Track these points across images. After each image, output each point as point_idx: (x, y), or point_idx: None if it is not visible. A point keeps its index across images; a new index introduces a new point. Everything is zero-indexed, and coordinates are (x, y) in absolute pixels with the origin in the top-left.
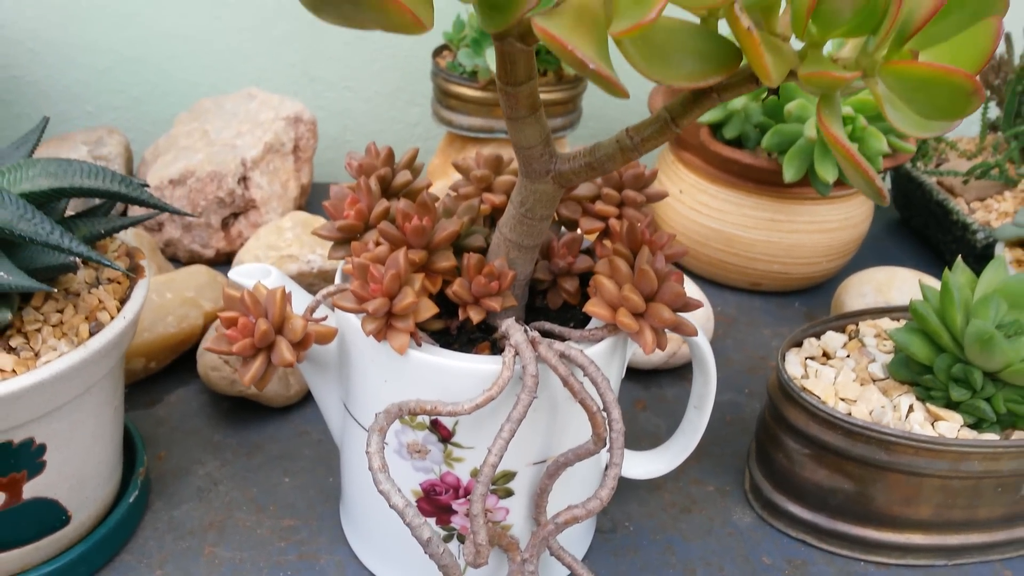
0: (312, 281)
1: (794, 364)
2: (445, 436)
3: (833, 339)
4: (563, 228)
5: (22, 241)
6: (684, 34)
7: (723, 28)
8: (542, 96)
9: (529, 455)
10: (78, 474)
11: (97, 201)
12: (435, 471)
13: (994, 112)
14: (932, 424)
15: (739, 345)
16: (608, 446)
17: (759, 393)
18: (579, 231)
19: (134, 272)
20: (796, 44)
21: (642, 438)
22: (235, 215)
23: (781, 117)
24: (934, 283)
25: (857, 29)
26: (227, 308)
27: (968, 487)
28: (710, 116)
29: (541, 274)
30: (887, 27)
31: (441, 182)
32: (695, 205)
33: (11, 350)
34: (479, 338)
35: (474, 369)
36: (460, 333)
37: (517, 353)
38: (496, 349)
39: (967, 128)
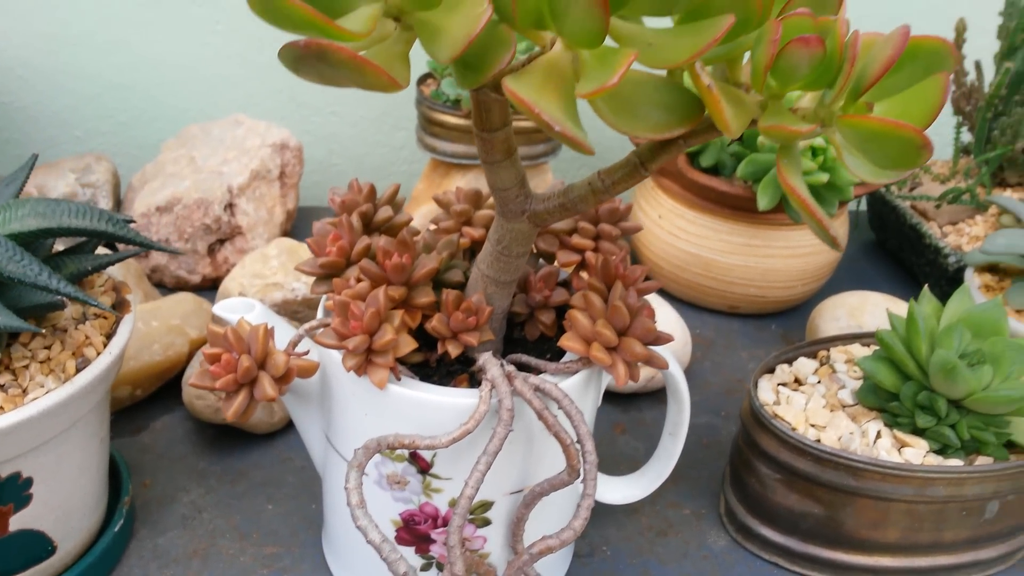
0: (297, 309)
1: (766, 390)
2: (424, 467)
3: (804, 365)
4: (541, 260)
5: (10, 282)
6: (650, 87)
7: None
8: (524, 123)
9: (506, 485)
10: (64, 506)
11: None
12: (414, 501)
13: (967, 137)
14: (899, 450)
15: (717, 368)
16: (582, 477)
17: (735, 416)
18: (556, 264)
19: (120, 307)
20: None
21: (620, 462)
22: (221, 241)
23: (755, 147)
24: (904, 308)
25: (814, 83)
26: (211, 344)
27: (934, 511)
28: None
29: (518, 307)
30: (842, 83)
31: (425, 207)
32: (673, 230)
33: None
34: (458, 370)
35: (452, 403)
36: (439, 365)
37: (493, 387)
38: (474, 381)
39: (942, 151)
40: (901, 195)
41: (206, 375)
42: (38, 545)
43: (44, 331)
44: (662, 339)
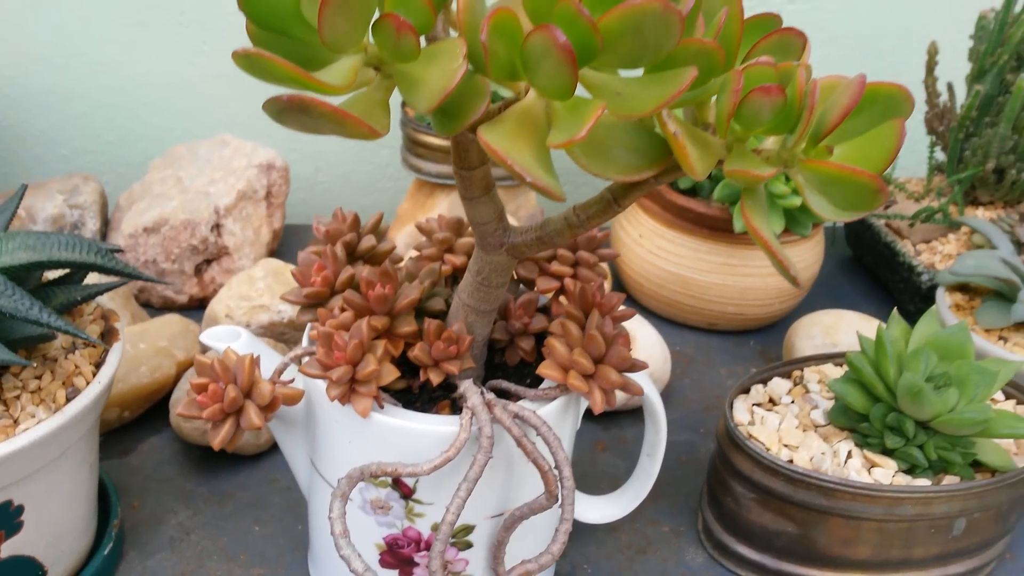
0: (283, 331)
1: (741, 411)
2: (406, 493)
3: (779, 385)
4: (521, 286)
5: (2, 316)
6: (621, 131)
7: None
8: None
9: (487, 509)
10: (55, 531)
11: None
12: (397, 526)
13: (941, 155)
14: (869, 470)
15: (696, 384)
16: (560, 502)
17: (714, 433)
18: (536, 290)
19: (108, 335)
20: None
21: (601, 479)
22: (208, 261)
23: None
24: (875, 326)
25: (776, 128)
26: (199, 374)
27: (903, 529)
28: None
29: (499, 334)
30: (801, 129)
31: (410, 226)
32: (653, 249)
33: None
34: (440, 396)
35: (433, 431)
36: (422, 391)
37: (473, 415)
38: (456, 407)
39: (917, 169)
40: (876, 214)
41: (193, 404)
42: (29, 570)
43: (35, 363)
44: (637, 366)
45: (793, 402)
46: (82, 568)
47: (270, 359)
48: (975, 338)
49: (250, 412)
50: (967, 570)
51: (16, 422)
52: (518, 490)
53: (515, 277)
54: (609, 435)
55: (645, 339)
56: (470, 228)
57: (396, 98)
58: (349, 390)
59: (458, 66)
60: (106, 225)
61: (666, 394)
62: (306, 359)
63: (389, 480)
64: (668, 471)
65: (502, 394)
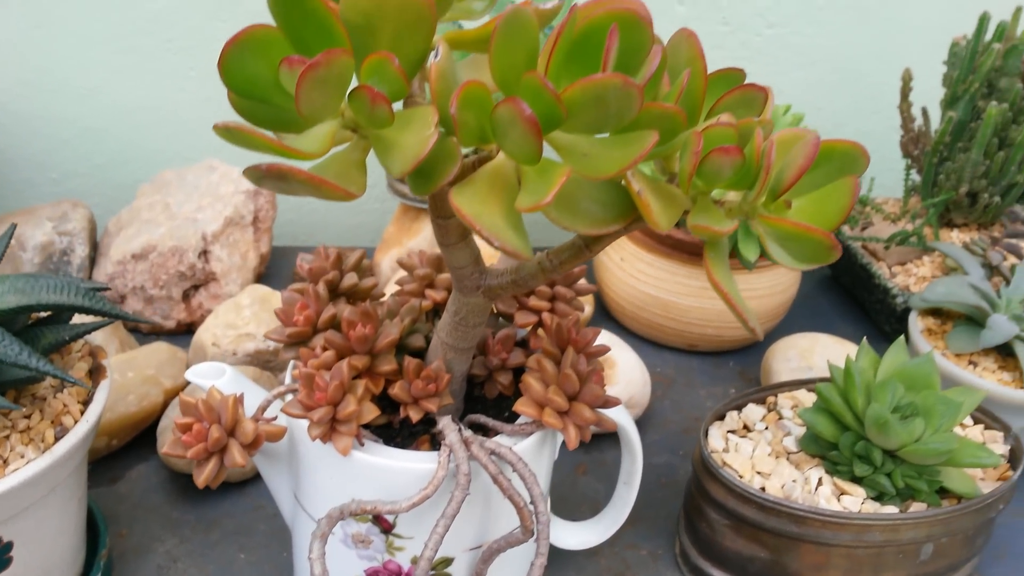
0: (269, 359)
1: (716, 437)
2: (387, 528)
3: (753, 412)
4: (501, 319)
5: None
6: (590, 185)
7: None
8: None
9: (465, 542)
10: (43, 565)
11: None
12: (378, 559)
13: (917, 176)
14: (838, 497)
15: (676, 406)
16: (535, 537)
17: (692, 456)
18: (514, 323)
19: (96, 372)
20: None
21: (582, 503)
22: (196, 287)
23: None
24: (852, 350)
25: (737, 184)
26: (184, 413)
27: (872, 555)
28: None
29: (478, 369)
30: (759, 187)
31: (395, 250)
32: (634, 272)
33: None
34: (420, 431)
35: (413, 468)
36: (403, 426)
37: (451, 452)
38: (436, 442)
39: (896, 188)
40: (852, 236)
41: (178, 444)
42: None
43: (24, 406)
44: (611, 403)
45: (767, 428)
46: None
47: (254, 395)
48: (945, 363)
49: (233, 451)
50: None
51: (6, 462)
52: (496, 523)
53: (495, 311)
54: (590, 458)
55: (625, 363)
56: None
57: None
58: (330, 429)
59: (430, 134)
60: (95, 250)
61: (646, 416)
62: (289, 396)
63: (370, 515)
64: (647, 493)
65: (480, 429)
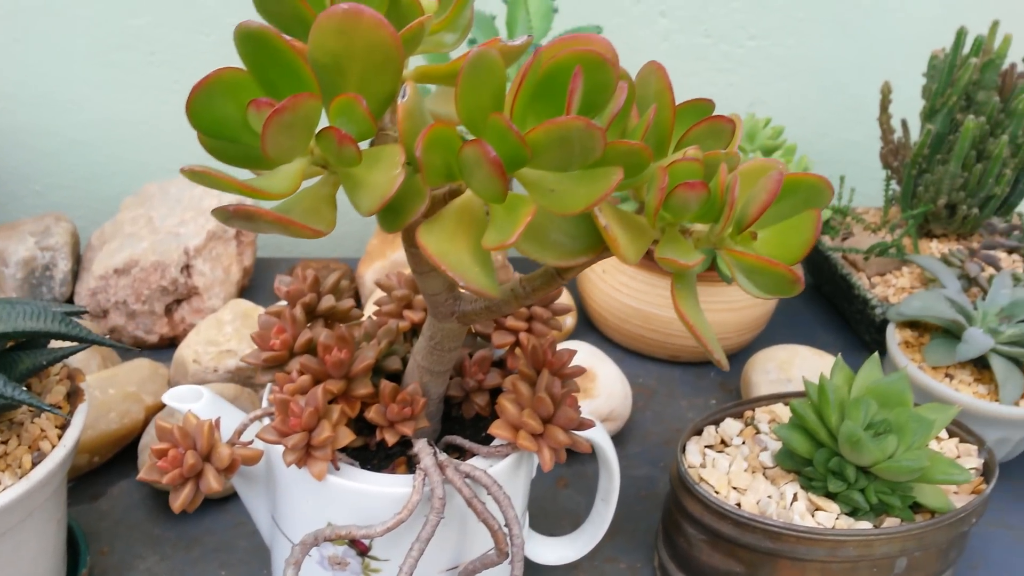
0: (250, 375)
1: (694, 452)
2: (363, 550)
3: (730, 427)
4: (479, 339)
5: None
6: (560, 218)
7: None
8: None
9: (441, 563)
10: None
11: None
12: None
13: (897, 186)
14: (813, 513)
15: (657, 417)
16: (510, 559)
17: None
18: (492, 343)
19: (74, 396)
20: None
21: (562, 516)
22: (178, 301)
23: None
24: (830, 362)
25: (703, 217)
26: (159, 439)
27: (846, 569)
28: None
29: (454, 391)
30: (724, 221)
31: (379, 263)
32: (616, 285)
33: None
34: (397, 452)
35: (387, 492)
36: (380, 448)
37: (426, 476)
38: (412, 464)
39: (878, 197)
40: (832, 247)
41: (154, 470)
42: None
43: (0, 430)
44: (585, 425)
45: (744, 443)
46: None
47: (232, 417)
48: (922, 376)
49: (209, 476)
50: None
51: None
52: (471, 545)
53: (472, 331)
54: (571, 471)
55: (606, 377)
56: None
57: None
58: (305, 455)
59: (397, 174)
60: (78, 264)
61: (628, 427)
62: (266, 419)
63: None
64: (627, 506)
65: (457, 450)
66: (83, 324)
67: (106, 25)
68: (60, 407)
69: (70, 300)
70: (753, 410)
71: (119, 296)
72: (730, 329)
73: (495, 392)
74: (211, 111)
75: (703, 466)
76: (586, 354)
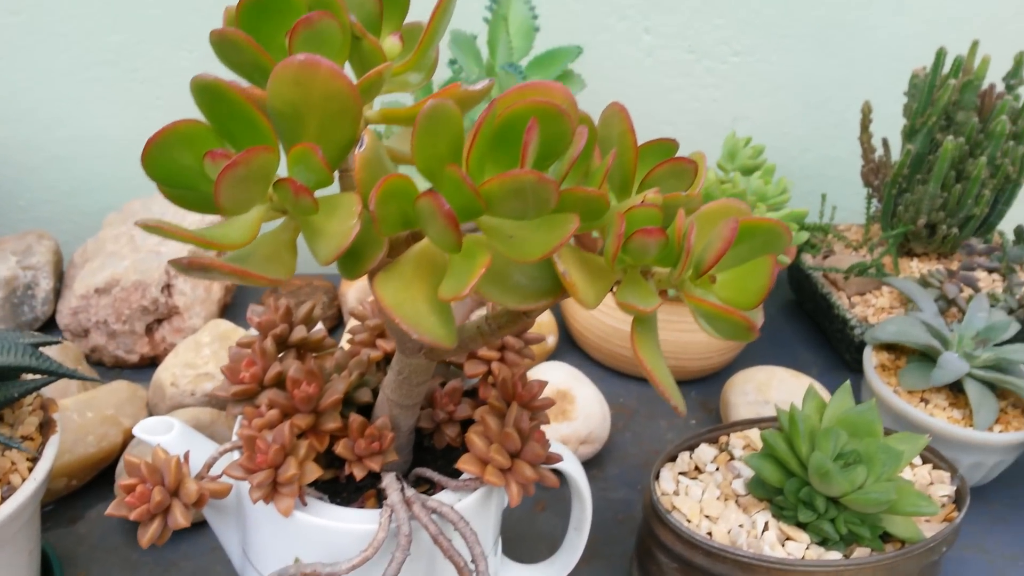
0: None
1: (667, 480)
2: None
3: (705, 453)
4: (451, 367)
5: None
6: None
7: None
8: None
9: None
10: None
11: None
12: None
13: (878, 205)
14: (783, 543)
15: (636, 438)
16: None
17: None
18: (464, 373)
19: (46, 427)
20: None
21: (540, 541)
22: (159, 321)
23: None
24: (806, 384)
25: (662, 261)
26: (128, 474)
27: None
28: None
29: (425, 422)
30: (681, 266)
31: (361, 281)
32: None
33: None
34: (368, 484)
35: (354, 529)
36: (350, 481)
37: (393, 512)
38: (382, 497)
39: (858, 213)
40: (813, 265)
41: (122, 505)
42: None
43: None
44: (552, 459)
45: (717, 469)
46: None
47: (203, 449)
48: (897, 400)
49: (176, 512)
50: None
51: None
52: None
53: (444, 360)
54: (549, 495)
55: (584, 399)
56: None
57: None
58: (272, 491)
59: (353, 224)
60: (60, 282)
61: (606, 449)
62: (235, 453)
63: None
64: (604, 530)
65: (426, 482)
66: (55, 352)
67: (88, 42)
68: (32, 438)
69: (52, 319)
70: (728, 435)
71: (100, 316)
72: (711, 349)
73: (467, 423)
74: (168, 162)
75: (676, 493)
76: (565, 375)
